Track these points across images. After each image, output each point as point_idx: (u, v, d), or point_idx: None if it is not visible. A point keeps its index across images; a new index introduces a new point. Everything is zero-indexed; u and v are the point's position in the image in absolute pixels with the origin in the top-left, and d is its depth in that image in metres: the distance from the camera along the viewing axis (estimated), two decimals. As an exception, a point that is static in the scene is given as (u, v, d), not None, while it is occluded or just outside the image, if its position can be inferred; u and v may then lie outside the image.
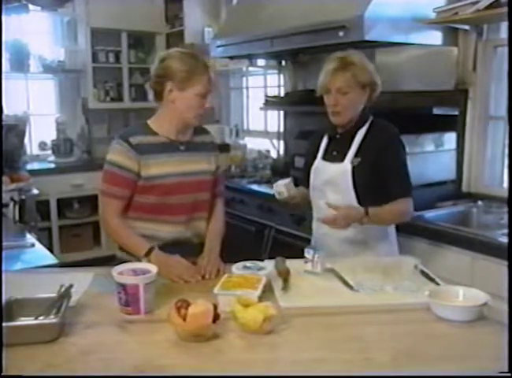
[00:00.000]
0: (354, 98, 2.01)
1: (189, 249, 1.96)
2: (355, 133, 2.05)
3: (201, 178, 1.99)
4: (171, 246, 1.92)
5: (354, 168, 2.00)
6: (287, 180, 2.13)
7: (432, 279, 1.73)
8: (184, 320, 1.32)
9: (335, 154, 2.08)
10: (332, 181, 2.05)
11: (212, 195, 2.07)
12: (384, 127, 2.09)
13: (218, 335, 1.37)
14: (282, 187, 2.11)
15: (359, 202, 1.98)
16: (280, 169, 3.83)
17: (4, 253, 2.16)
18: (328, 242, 2.05)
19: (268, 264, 1.78)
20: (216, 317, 1.35)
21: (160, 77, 1.88)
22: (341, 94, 1.99)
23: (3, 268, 1.85)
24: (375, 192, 1.97)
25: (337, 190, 2.03)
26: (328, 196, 2.04)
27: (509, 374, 1.16)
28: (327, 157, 2.12)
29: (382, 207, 1.93)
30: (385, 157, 1.99)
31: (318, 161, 2.13)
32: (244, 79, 5.06)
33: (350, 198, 2.00)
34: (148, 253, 1.82)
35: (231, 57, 3.89)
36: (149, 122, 1.97)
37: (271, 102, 4.00)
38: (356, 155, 2.02)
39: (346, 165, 2.01)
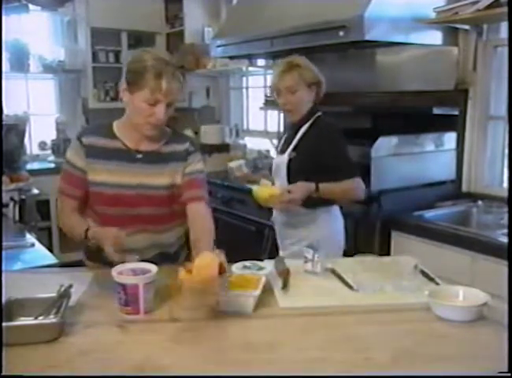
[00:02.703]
0: (302, 96, 2.25)
1: (161, 258, 1.84)
2: (299, 128, 2.29)
3: (152, 192, 1.82)
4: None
5: (290, 160, 2.26)
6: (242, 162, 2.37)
7: (431, 279, 1.73)
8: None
9: (283, 147, 2.37)
10: (276, 171, 2.35)
11: (182, 203, 1.86)
12: (325, 124, 2.30)
13: (218, 334, 1.37)
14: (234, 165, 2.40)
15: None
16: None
17: (4, 253, 2.16)
18: (277, 224, 2.39)
19: (268, 264, 1.78)
20: (221, 270, 1.36)
21: (123, 76, 1.77)
22: (290, 93, 2.23)
23: (3, 268, 1.85)
24: (308, 181, 2.15)
25: (278, 178, 2.31)
26: (276, 183, 2.34)
27: (509, 374, 1.16)
28: (279, 150, 2.43)
29: (331, 183, 2.16)
30: (325, 148, 2.21)
31: (276, 155, 2.46)
32: (244, 79, 5.06)
33: (283, 183, 2.27)
34: (86, 232, 1.71)
35: (231, 57, 3.89)
36: (114, 123, 1.86)
37: (271, 102, 3.99)
38: (295, 148, 2.27)
39: (285, 157, 2.29)
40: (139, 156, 1.83)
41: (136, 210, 1.81)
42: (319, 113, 2.32)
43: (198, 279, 1.34)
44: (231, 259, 1.81)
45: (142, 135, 1.80)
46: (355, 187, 2.23)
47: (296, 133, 2.30)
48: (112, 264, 1.54)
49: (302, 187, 2.13)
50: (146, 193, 1.81)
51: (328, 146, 2.23)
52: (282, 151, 2.37)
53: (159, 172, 1.84)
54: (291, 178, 2.26)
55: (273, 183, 2.35)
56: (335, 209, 2.36)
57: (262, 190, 2.07)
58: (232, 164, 2.37)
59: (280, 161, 2.33)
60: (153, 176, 1.82)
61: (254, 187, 2.07)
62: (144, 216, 1.83)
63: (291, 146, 2.30)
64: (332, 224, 2.33)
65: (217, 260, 1.38)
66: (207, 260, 1.35)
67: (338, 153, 2.24)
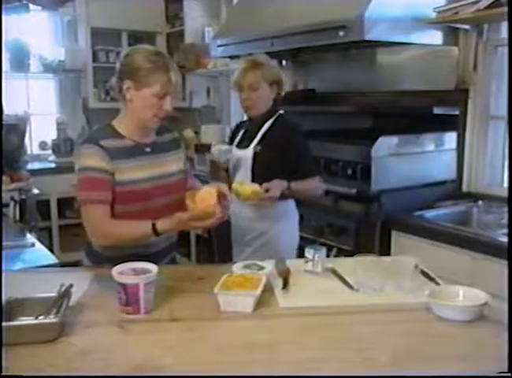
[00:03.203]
0: (263, 93, 2.33)
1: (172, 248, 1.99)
2: (262, 124, 2.38)
3: (168, 181, 1.90)
4: (163, 251, 1.91)
5: (255, 154, 2.35)
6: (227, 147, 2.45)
7: (432, 279, 1.73)
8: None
9: (244, 142, 2.43)
10: (237, 164, 2.40)
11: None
12: (288, 122, 2.45)
13: (218, 334, 1.37)
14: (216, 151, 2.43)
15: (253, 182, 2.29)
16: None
17: (4, 253, 2.17)
18: (240, 219, 2.39)
19: (269, 264, 1.77)
20: (220, 197, 1.67)
21: (119, 73, 1.80)
22: (252, 90, 2.31)
23: (3, 267, 1.85)
24: (274, 175, 2.24)
25: (241, 171, 2.37)
26: (236, 177, 2.40)
27: (509, 374, 1.16)
28: (238, 145, 2.46)
29: (298, 182, 2.28)
30: (290, 144, 2.34)
31: (233, 149, 2.46)
32: (244, 78, 5.05)
33: (248, 179, 2.34)
34: (155, 231, 1.73)
35: (231, 57, 3.89)
36: (113, 123, 1.88)
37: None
38: (259, 143, 2.36)
39: (249, 151, 2.37)
40: (148, 149, 1.89)
41: (155, 202, 1.84)
42: (281, 111, 2.44)
43: (201, 206, 1.65)
44: (232, 259, 1.82)
45: (145, 128, 1.86)
46: (318, 186, 2.42)
47: (259, 129, 2.38)
48: (113, 263, 1.56)
49: (279, 186, 2.22)
50: (163, 183, 1.88)
51: (294, 142, 2.36)
52: (242, 146, 2.43)
53: (167, 161, 1.93)
54: (255, 171, 2.35)
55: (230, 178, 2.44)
56: (292, 203, 2.48)
57: (244, 187, 2.13)
58: (218, 148, 2.38)
59: (244, 154, 2.39)
60: (165, 165, 1.91)
61: (235, 184, 2.14)
62: (161, 206, 1.85)
63: (256, 141, 2.38)
64: (290, 216, 2.47)
65: (214, 191, 1.65)
66: (206, 191, 1.66)
67: (303, 150, 2.38)
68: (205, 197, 1.69)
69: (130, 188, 1.80)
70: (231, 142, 2.55)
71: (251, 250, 2.37)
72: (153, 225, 1.72)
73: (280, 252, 2.21)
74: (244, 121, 2.60)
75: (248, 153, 2.38)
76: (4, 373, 1.15)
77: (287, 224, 2.44)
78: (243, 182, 2.25)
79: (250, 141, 2.40)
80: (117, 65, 1.82)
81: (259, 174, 2.32)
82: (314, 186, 2.39)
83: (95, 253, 1.89)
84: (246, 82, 2.31)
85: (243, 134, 2.49)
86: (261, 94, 2.33)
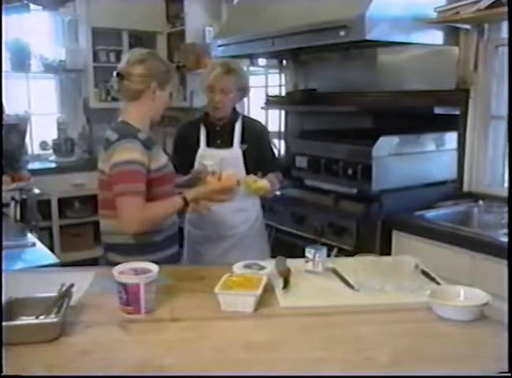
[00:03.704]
0: (232, 97, 2.48)
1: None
2: (233, 125, 2.55)
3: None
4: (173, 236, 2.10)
5: (244, 153, 2.51)
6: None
7: (432, 279, 1.73)
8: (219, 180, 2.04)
9: (219, 142, 2.54)
10: (226, 162, 2.44)
11: None
12: (255, 121, 2.74)
13: (219, 334, 1.37)
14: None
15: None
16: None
17: (5, 253, 2.17)
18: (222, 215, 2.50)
19: (269, 264, 1.78)
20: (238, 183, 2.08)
21: (144, 77, 1.95)
22: (223, 93, 2.44)
23: (3, 267, 1.85)
24: (257, 169, 2.44)
25: (229, 168, 2.35)
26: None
27: (509, 374, 1.16)
28: (213, 145, 2.55)
29: (270, 175, 2.47)
30: (262, 143, 2.60)
31: (203, 149, 2.53)
32: (245, 78, 5.05)
33: (242, 173, 2.45)
34: (186, 203, 1.96)
35: (232, 57, 3.88)
36: (129, 120, 1.98)
37: (272, 102, 4.00)
38: (242, 142, 2.53)
39: (237, 150, 2.52)
40: (154, 139, 2.08)
41: (172, 184, 2.09)
42: (241, 113, 2.68)
43: (226, 184, 2.03)
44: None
45: (152, 123, 2.08)
46: (283, 179, 2.72)
47: (232, 129, 2.54)
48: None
49: (276, 179, 2.52)
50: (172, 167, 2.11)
51: (267, 139, 2.68)
52: (222, 146, 2.54)
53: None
54: (249, 168, 2.50)
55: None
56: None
57: (255, 181, 2.29)
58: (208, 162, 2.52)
59: (229, 154, 2.51)
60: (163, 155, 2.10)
61: (248, 179, 2.30)
62: (172, 189, 2.08)
63: (237, 140, 2.53)
64: (260, 206, 2.70)
65: (235, 174, 2.09)
66: (231, 174, 2.06)
67: (271, 147, 2.70)
68: (229, 178, 2.07)
69: (164, 173, 2.00)
70: (192, 144, 2.55)
71: (231, 244, 2.55)
72: (184, 198, 1.95)
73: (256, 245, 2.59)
74: (193, 123, 2.64)
75: (235, 153, 2.51)
76: (4, 373, 1.15)
77: (260, 211, 2.69)
78: (252, 177, 2.35)
79: (230, 141, 2.52)
80: (138, 70, 1.95)
81: (251, 171, 2.43)
82: (282, 178, 2.67)
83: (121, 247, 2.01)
84: (219, 86, 2.43)
85: (214, 135, 2.55)
86: (230, 98, 2.47)
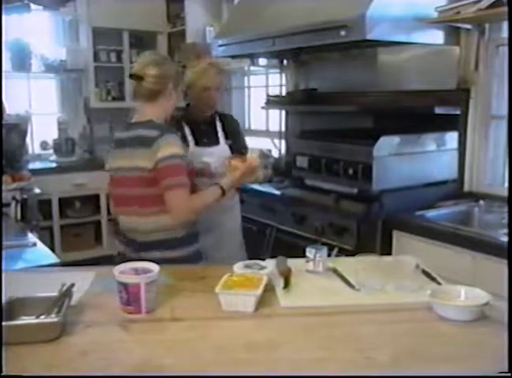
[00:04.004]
0: (220, 95, 2.66)
1: None
2: (214, 122, 2.66)
3: None
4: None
5: (231, 147, 2.63)
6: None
7: (433, 279, 1.73)
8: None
9: (206, 141, 2.61)
10: (222, 159, 2.49)
11: None
12: (227, 115, 2.87)
13: (219, 333, 1.37)
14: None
15: None
16: (281, 168, 3.83)
17: (6, 253, 2.17)
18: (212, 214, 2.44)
19: (270, 264, 1.78)
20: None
21: (161, 78, 2.04)
22: (218, 92, 2.60)
23: (3, 267, 1.86)
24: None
25: (222, 165, 2.46)
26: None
27: (509, 374, 1.16)
28: (200, 144, 2.59)
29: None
30: (239, 135, 2.77)
31: (193, 148, 2.55)
32: (246, 78, 5.05)
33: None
34: (222, 190, 2.10)
35: (232, 57, 3.89)
36: (153, 119, 2.06)
37: (272, 102, 4.00)
38: (226, 138, 2.65)
39: (224, 146, 2.63)
40: None
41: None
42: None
43: (253, 165, 2.23)
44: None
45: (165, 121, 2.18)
46: None
47: (215, 126, 2.66)
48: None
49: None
50: None
51: (241, 131, 2.87)
52: (210, 144, 2.62)
53: None
54: None
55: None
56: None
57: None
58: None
59: (220, 150, 2.60)
60: None
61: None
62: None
63: (221, 136, 2.66)
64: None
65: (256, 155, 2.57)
66: (251, 156, 2.32)
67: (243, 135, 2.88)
68: (251, 159, 2.28)
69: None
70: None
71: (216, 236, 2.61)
72: (221, 187, 2.09)
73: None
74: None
75: (224, 149, 2.62)
76: (4, 373, 1.15)
77: (239, 208, 2.85)
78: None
79: (215, 138, 2.64)
80: (155, 72, 2.02)
81: None
82: None
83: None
84: (215, 84, 2.57)
85: (200, 133, 2.62)
86: (220, 95, 2.65)
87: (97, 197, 4.86)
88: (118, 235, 2.18)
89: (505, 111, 2.83)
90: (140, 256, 1.96)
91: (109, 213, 4.71)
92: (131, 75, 2.05)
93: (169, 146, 1.95)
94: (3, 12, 3.40)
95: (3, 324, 1.29)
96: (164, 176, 1.93)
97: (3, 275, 1.58)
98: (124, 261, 1.64)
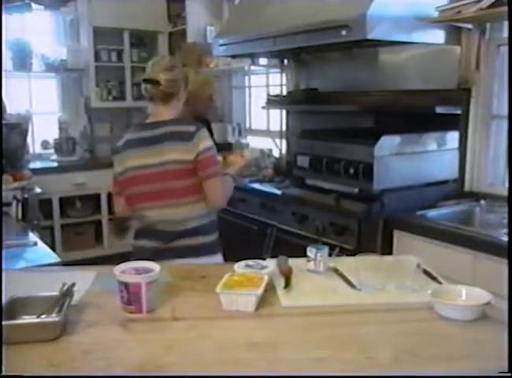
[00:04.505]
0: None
1: None
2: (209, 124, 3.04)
3: None
4: None
5: None
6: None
7: (434, 279, 1.72)
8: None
9: None
10: None
11: None
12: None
13: (220, 333, 1.37)
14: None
15: None
16: (282, 168, 3.83)
17: (6, 252, 2.17)
18: None
19: (271, 263, 1.77)
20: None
21: (175, 81, 2.17)
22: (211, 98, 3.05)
23: (3, 266, 1.86)
24: None
25: None
26: None
27: (509, 374, 1.16)
28: None
29: None
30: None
31: None
32: (246, 78, 5.06)
33: None
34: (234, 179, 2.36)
35: (233, 56, 3.89)
36: (174, 118, 2.20)
37: (273, 101, 4.00)
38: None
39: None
40: None
41: None
42: None
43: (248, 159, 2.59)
44: (234, 258, 1.82)
45: None
46: None
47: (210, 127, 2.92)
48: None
49: None
50: None
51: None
52: None
53: None
54: None
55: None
56: None
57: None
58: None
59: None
60: None
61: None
62: None
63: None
64: None
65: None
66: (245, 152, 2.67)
67: None
68: (246, 154, 2.69)
69: None
70: None
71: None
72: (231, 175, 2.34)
73: None
74: None
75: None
76: (4, 373, 1.15)
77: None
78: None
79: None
80: (168, 76, 2.13)
81: None
82: None
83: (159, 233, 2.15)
84: (211, 91, 3.02)
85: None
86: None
87: (97, 196, 4.86)
88: (132, 231, 2.29)
89: (506, 110, 2.83)
90: (169, 246, 2.11)
91: (109, 212, 4.72)
92: (147, 80, 2.15)
93: (207, 139, 2.12)
94: (4, 11, 3.40)
95: (4, 323, 1.29)
96: (206, 165, 2.09)
97: (3, 274, 1.58)
98: (146, 255, 1.85)
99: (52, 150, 5.03)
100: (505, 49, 2.79)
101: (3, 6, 3.32)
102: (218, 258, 2.19)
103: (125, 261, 1.59)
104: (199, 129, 2.11)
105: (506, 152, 2.88)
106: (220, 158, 2.28)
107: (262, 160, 4.16)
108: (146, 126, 2.18)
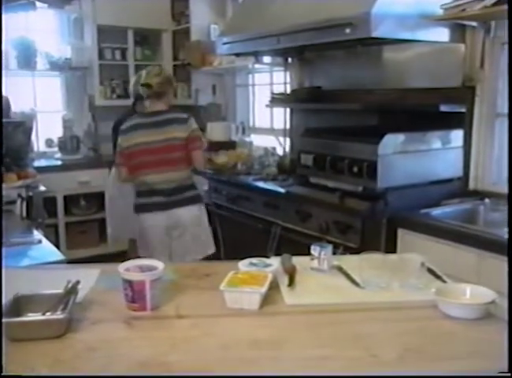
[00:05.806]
0: None
1: None
2: None
3: None
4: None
5: None
6: None
7: (438, 277, 1.72)
8: None
9: None
10: None
11: None
12: None
13: (224, 331, 1.37)
14: None
15: None
16: (286, 166, 3.83)
17: (11, 250, 2.19)
18: None
19: (275, 261, 1.78)
20: None
21: (163, 83, 3.05)
22: None
23: (9, 263, 1.86)
24: None
25: None
26: None
27: (509, 374, 1.15)
28: None
29: None
30: None
31: None
32: (250, 76, 5.05)
33: None
34: None
35: (237, 55, 3.89)
36: (168, 109, 3.06)
37: (277, 100, 3.99)
38: None
39: None
40: None
41: None
42: None
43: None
44: (238, 256, 1.82)
45: None
46: None
47: None
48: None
49: None
50: None
51: None
52: None
53: None
54: None
55: None
56: None
57: None
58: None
59: None
60: None
61: None
62: None
63: None
64: None
65: None
66: None
67: None
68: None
69: None
70: None
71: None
72: None
73: None
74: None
75: None
76: (4, 373, 1.15)
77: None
78: None
79: None
80: (157, 80, 3.04)
81: None
82: None
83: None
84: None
85: None
86: None
87: (102, 194, 4.85)
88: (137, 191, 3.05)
89: (511, 109, 2.82)
90: (166, 200, 2.95)
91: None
92: (143, 85, 3.03)
93: (195, 123, 2.98)
94: (9, 10, 3.41)
95: (9, 320, 1.29)
96: (194, 141, 2.96)
97: (3, 273, 1.58)
98: (147, 209, 2.98)
99: (56, 149, 5.04)
100: (510, 47, 2.78)
101: (7, 5, 3.32)
102: (201, 207, 3.09)
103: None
104: (189, 116, 2.99)
105: (507, 150, 2.87)
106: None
107: (266, 158, 4.16)
108: (149, 114, 3.02)
